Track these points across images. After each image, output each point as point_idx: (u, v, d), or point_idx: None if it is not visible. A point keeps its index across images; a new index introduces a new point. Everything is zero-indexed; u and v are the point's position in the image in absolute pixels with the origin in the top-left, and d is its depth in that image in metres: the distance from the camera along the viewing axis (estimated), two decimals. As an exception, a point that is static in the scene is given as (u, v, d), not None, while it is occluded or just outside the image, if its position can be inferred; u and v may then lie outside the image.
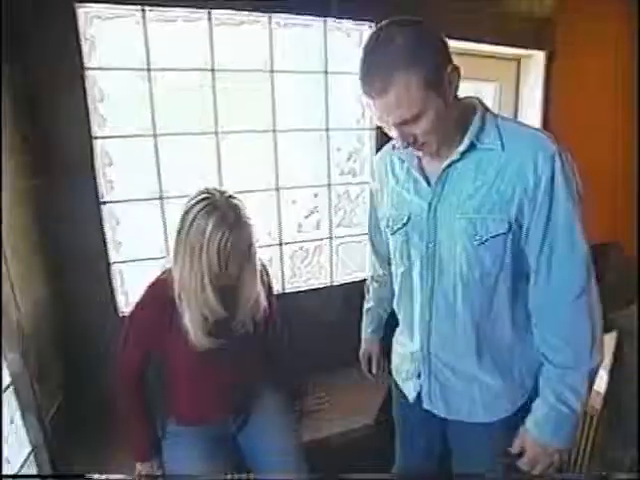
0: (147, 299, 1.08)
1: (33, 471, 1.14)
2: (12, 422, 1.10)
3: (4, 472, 0.90)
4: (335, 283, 1.66)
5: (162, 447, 1.17)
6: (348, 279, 1.69)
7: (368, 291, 1.21)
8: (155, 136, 1.34)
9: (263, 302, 1.15)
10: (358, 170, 1.66)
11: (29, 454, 1.13)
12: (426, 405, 0.97)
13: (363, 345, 1.23)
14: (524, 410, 0.88)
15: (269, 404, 1.25)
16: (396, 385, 1.08)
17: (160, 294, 1.05)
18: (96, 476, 0.92)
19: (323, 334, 1.61)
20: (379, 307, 1.19)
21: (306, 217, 1.63)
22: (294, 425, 1.28)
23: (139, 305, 1.09)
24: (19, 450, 1.11)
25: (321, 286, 1.65)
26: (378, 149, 1.06)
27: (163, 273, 1.09)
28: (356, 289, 1.54)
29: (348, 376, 1.63)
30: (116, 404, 1.14)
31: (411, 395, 1.00)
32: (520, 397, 0.90)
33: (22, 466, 1.09)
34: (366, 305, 1.22)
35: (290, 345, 1.37)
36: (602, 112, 2.12)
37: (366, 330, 1.22)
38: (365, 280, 1.23)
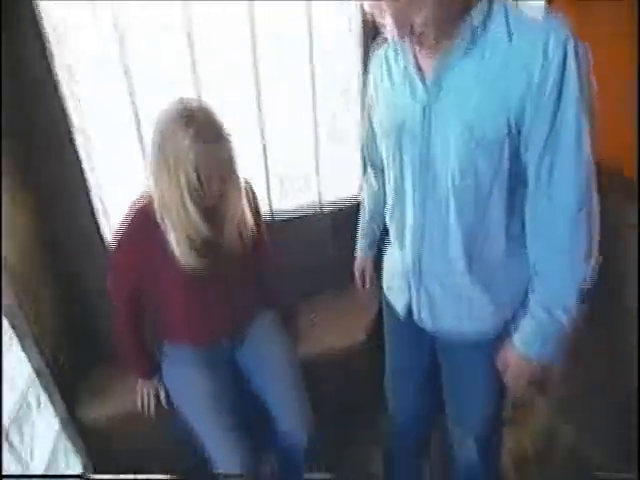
0: (130, 224, 1.05)
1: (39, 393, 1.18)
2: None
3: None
4: (325, 210, 1.64)
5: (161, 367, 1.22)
6: (337, 206, 1.66)
7: (363, 206, 1.20)
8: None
9: (250, 221, 1.13)
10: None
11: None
12: (415, 319, 0.99)
13: (358, 260, 1.25)
14: (511, 329, 0.89)
15: (263, 325, 1.28)
16: (387, 302, 1.10)
17: (142, 217, 1.03)
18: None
19: (313, 260, 1.61)
20: (373, 222, 1.19)
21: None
22: (289, 344, 1.32)
23: (123, 231, 1.07)
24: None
25: (310, 212, 1.63)
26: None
27: (143, 196, 1.06)
28: (346, 215, 1.53)
29: (339, 299, 1.67)
30: (114, 330, 1.16)
31: (401, 309, 1.02)
32: (509, 315, 0.90)
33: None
34: (361, 220, 1.22)
35: (281, 268, 1.37)
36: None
37: (360, 245, 1.23)
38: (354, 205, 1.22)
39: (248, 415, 1.22)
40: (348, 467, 1.70)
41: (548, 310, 0.81)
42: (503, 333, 0.90)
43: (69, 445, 1.28)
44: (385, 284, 1.10)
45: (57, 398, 1.23)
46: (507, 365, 0.90)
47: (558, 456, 1.25)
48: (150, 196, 1.02)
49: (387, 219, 1.01)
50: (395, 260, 1.01)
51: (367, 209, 1.19)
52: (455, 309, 0.93)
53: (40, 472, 1.08)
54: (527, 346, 0.85)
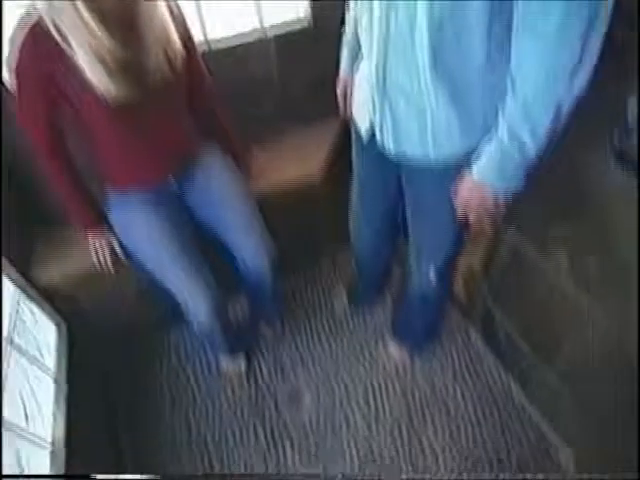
0: (23, 49, 0.86)
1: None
2: None
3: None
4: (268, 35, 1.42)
5: (108, 216, 1.15)
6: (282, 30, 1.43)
7: (347, 23, 1.06)
8: None
9: (176, 40, 0.96)
10: None
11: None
12: (379, 142, 0.94)
13: (340, 83, 1.15)
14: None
15: (211, 162, 1.19)
16: (355, 128, 1.05)
17: (35, 36, 0.84)
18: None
19: (258, 91, 1.45)
20: (355, 39, 1.03)
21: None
22: (241, 178, 1.26)
23: (19, 61, 0.88)
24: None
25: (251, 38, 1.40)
26: None
27: (29, 14, 0.84)
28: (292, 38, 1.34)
29: (294, 134, 1.57)
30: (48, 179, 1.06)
31: (365, 130, 0.97)
32: (475, 143, 0.82)
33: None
34: (344, 39, 1.10)
35: (222, 103, 1.24)
36: None
37: (343, 65, 1.13)
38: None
39: (208, 253, 1.21)
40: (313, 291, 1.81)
41: (513, 134, 0.73)
42: (467, 164, 0.84)
43: (34, 308, 1.27)
44: (354, 108, 1.04)
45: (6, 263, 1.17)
46: (460, 194, 0.87)
47: (502, 262, 1.34)
48: (36, 9, 0.81)
49: (358, 30, 0.89)
50: (362, 74, 0.93)
51: (349, 27, 1.06)
52: (419, 129, 0.85)
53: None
54: (483, 169, 0.81)
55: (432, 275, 1.21)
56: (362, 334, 1.69)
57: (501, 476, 1.31)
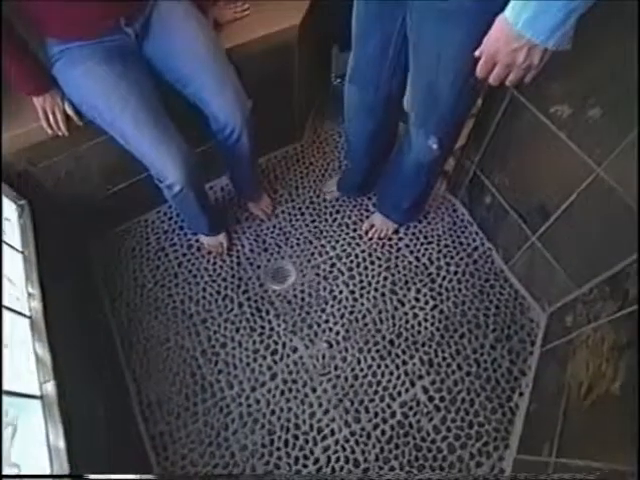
0: None
1: None
2: None
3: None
4: None
5: (56, 76, 1.00)
6: None
7: None
8: None
9: None
10: None
11: None
12: None
13: None
14: None
15: (171, 7, 1.03)
16: None
17: None
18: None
19: None
20: None
21: None
22: (208, 29, 1.10)
23: None
24: None
25: None
26: None
27: None
28: None
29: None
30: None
31: None
32: None
33: None
34: None
35: None
36: None
37: None
38: None
39: (176, 114, 1.09)
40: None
41: None
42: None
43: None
44: None
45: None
46: (490, 37, 0.69)
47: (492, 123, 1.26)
48: None
49: None
50: None
51: None
52: None
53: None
54: (515, 12, 0.63)
55: (433, 143, 1.11)
56: (347, 212, 1.65)
57: (480, 340, 1.37)
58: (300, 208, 1.67)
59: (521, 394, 1.28)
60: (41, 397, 0.92)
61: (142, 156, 1.06)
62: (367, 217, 1.63)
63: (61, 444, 0.88)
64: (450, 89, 0.95)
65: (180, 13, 1.03)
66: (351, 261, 1.54)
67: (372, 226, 1.57)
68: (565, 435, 0.94)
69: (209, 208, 1.38)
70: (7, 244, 1.09)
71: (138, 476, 1.00)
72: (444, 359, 1.35)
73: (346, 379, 1.33)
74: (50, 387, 0.94)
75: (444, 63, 0.89)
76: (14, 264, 1.09)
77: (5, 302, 0.95)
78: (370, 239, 1.57)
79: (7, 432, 0.82)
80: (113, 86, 0.97)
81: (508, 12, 0.64)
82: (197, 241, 1.58)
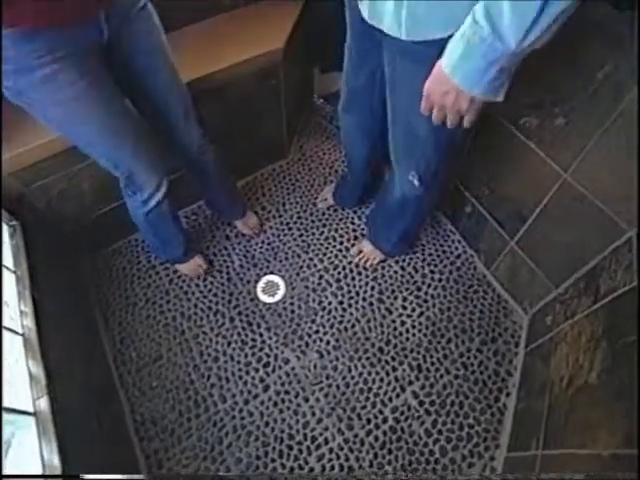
0: None
1: None
2: None
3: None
4: None
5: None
6: None
7: None
8: None
9: None
10: None
11: None
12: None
13: None
14: None
15: (146, 16, 0.97)
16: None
17: None
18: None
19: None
20: None
21: None
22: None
23: None
24: None
25: None
26: None
27: None
28: None
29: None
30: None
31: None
32: (454, 28, 0.66)
33: None
34: None
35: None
36: None
37: None
38: None
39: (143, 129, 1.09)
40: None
41: (489, 19, 0.58)
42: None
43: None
44: None
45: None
46: (428, 81, 0.73)
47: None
48: None
49: None
50: None
51: None
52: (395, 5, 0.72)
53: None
54: (446, 56, 0.67)
55: (413, 178, 1.12)
56: (334, 226, 1.70)
57: (466, 344, 1.41)
58: (288, 223, 1.71)
59: (508, 394, 1.32)
60: (34, 413, 0.93)
61: (117, 163, 1.07)
62: (353, 230, 1.68)
63: (55, 461, 0.88)
64: (427, 126, 0.91)
65: (157, 31, 1.00)
66: (339, 272, 1.58)
67: (360, 252, 1.60)
68: (550, 427, 0.98)
69: (182, 229, 1.42)
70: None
71: (137, 476, 1.00)
72: (432, 364, 1.39)
73: (338, 388, 1.35)
74: (43, 403, 0.94)
75: (417, 103, 0.85)
76: (7, 284, 1.11)
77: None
78: (357, 265, 1.60)
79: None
80: (82, 91, 0.88)
81: (444, 55, 0.67)
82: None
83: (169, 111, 1.11)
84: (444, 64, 0.68)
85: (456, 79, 0.67)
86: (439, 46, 0.69)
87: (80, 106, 0.91)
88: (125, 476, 1.00)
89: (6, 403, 0.86)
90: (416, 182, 1.13)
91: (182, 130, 1.16)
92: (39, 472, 0.86)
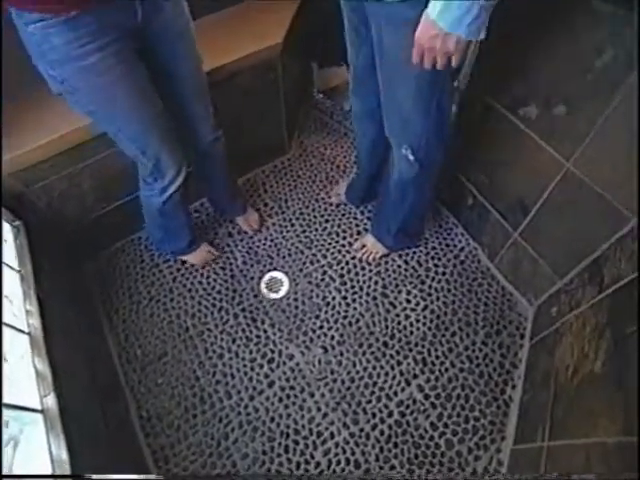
0: None
1: None
2: None
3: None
4: None
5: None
6: None
7: None
8: None
9: None
10: None
11: None
12: None
13: None
14: None
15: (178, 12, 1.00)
16: None
17: None
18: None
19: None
20: None
21: None
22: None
23: None
24: None
25: None
26: None
27: None
28: None
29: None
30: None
31: None
32: None
33: None
34: None
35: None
36: None
37: None
38: None
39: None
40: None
41: None
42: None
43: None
44: None
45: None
46: (418, 29, 0.78)
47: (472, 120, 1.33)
48: None
49: None
50: None
51: None
52: None
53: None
54: (432, 4, 0.74)
55: (408, 153, 1.14)
56: (337, 221, 1.69)
57: (471, 337, 1.40)
58: (290, 219, 1.71)
59: (514, 386, 1.31)
60: (42, 411, 0.94)
61: (146, 149, 1.07)
62: (356, 225, 1.68)
63: (64, 455, 0.89)
64: (414, 100, 0.99)
65: (185, 17, 1.02)
66: (342, 268, 1.58)
67: (363, 246, 1.60)
68: (555, 418, 0.97)
69: (191, 222, 1.43)
70: (4, 264, 1.11)
71: (141, 476, 1.00)
72: (437, 357, 1.38)
73: (343, 382, 1.35)
74: (51, 400, 0.95)
75: (402, 70, 0.93)
76: (11, 283, 1.11)
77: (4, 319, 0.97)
78: (360, 260, 1.60)
79: (10, 446, 0.83)
80: (116, 74, 0.90)
81: (429, 5, 0.75)
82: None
83: (191, 98, 1.12)
84: (430, 12, 0.75)
85: (442, 23, 0.74)
86: (420, 5, 0.76)
87: (117, 90, 0.93)
88: (136, 476, 1.00)
89: (14, 401, 0.87)
90: (410, 156, 1.15)
91: (201, 119, 1.18)
92: (48, 467, 0.87)
